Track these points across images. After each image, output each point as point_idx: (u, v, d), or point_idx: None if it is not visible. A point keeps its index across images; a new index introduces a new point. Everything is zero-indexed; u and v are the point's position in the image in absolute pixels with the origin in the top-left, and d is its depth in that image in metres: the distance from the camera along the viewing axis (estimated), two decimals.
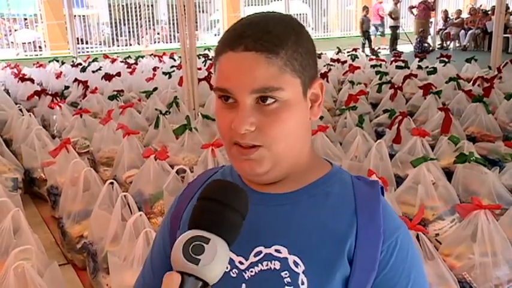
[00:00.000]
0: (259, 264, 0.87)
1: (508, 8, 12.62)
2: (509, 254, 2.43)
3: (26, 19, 20.00)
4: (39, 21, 19.17)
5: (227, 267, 0.87)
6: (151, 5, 22.05)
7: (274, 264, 0.86)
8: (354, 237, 0.86)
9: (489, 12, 15.37)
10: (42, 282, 2.16)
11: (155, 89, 6.26)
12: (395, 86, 6.13)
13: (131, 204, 2.81)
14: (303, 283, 0.84)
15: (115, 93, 6.26)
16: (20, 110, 5.68)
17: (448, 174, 3.49)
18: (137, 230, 2.49)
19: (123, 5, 21.18)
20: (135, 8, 21.31)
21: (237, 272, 0.88)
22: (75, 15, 15.84)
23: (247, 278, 0.87)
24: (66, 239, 3.25)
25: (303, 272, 0.85)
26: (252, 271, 0.87)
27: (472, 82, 6.65)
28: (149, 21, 21.69)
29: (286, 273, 0.85)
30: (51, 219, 3.81)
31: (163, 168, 3.46)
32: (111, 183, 3.05)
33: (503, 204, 2.89)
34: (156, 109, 5.27)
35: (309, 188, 0.92)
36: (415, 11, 15.59)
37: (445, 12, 17.54)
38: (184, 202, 1.00)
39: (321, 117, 4.75)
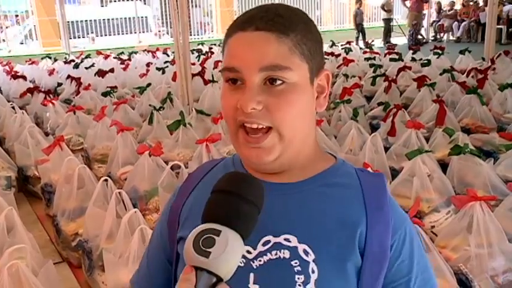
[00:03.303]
0: (268, 254, 0.86)
1: None
2: (504, 245, 2.44)
3: (17, 16, 19.86)
4: (30, 18, 19.02)
5: None
6: (144, 0, 21.93)
7: (283, 253, 0.86)
8: (365, 228, 0.87)
9: (480, 5, 15.40)
10: (36, 281, 2.15)
11: (149, 84, 6.23)
12: (390, 79, 6.13)
13: (126, 201, 2.80)
14: (313, 272, 0.84)
15: (108, 89, 6.23)
16: (13, 107, 5.66)
17: (443, 166, 3.49)
18: (132, 226, 2.48)
19: (115, 1, 21.06)
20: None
21: (244, 261, 0.86)
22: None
23: (255, 267, 0.86)
24: (61, 237, 3.23)
25: (313, 261, 0.84)
26: (260, 260, 0.86)
27: (466, 74, 6.65)
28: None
29: (296, 262, 0.85)
30: (46, 217, 3.79)
31: (157, 165, 3.45)
32: (106, 180, 3.04)
33: (498, 196, 2.89)
34: (150, 105, 5.25)
35: (315, 178, 0.92)
36: (408, 3, 15.58)
37: (438, 4, 17.55)
38: (184, 194, 1.00)
39: None
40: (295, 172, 0.91)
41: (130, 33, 19.66)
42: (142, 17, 19.96)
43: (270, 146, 0.86)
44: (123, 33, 19.77)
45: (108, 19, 19.76)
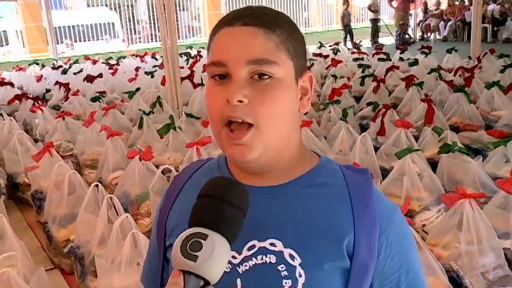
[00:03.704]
0: (254, 258, 0.86)
1: None
2: (494, 242, 2.46)
3: None
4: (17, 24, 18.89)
5: None
6: (131, 5, 21.88)
7: (269, 258, 0.86)
8: (352, 227, 0.86)
9: (466, 4, 15.55)
10: None
11: (138, 89, 6.22)
12: (378, 79, 6.16)
13: (117, 206, 2.79)
14: (300, 276, 0.84)
15: (97, 94, 6.21)
16: (1, 114, 5.62)
17: (433, 164, 3.52)
18: (124, 231, 2.47)
19: (102, 6, 20.98)
20: (115, 8, 21.12)
21: (230, 266, 0.86)
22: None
23: (241, 272, 0.86)
24: (52, 243, 3.21)
25: (299, 265, 0.84)
26: (246, 265, 0.86)
27: (453, 72, 6.71)
28: (129, 21, 21.51)
29: (282, 267, 0.85)
30: (37, 224, 3.77)
31: (148, 169, 3.45)
32: (96, 185, 3.02)
33: (487, 193, 2.92)
34: (139, 109, 5.24)
35: (299, 180, 0.91)
36: (394, 3, 15.69)
37: (425, 3, 17.68)
38: (170, 198, 1.00)
39: (305, 112, 4.76)
40: (280, 173, 0.91)
41: (98, 39, 19.29)
42: (108, 23, 19.57)
43: (250, 142, 0.85)
44: (88, 40, 19.36)
45: (75, 26, 19.36)
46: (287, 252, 0.85)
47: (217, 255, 0.71)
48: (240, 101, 0.83)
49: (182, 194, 0.99)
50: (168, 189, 1.03)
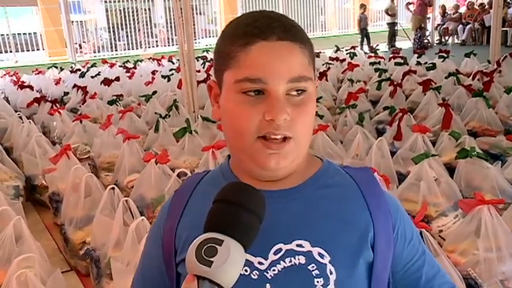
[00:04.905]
0: (282, 262, 0.86)
1: (505, 1, 12.61)
2: None
3: None
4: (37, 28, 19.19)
5: (247, 270, 0.85)
6: (149, 9, 22.06)
7: (298, 259, 0.85)
8: (370, 221, 0.89)
9: (485, 8, 15.37)
10: None
11: (154, 92, 6.26)
12: (395, 83, 6.12)
13: (133, 209, 2.80)
14: (331, 273, 0.85)
15: (114, 98, 6.28)
16: (20, 117, 5.69)
17: (450, 170, 3.47)
18: (139, 234, 2.48)
19: (120, 10, 21.20)
20: (132, 12, 21.34)
21: (258, 273, 0.85)
22: (72, 21, 15.79)
23: (270, 277, 0.85)
24: (68, 245, 3.24)
25: (329, 262, 0.85)
26: (274, 270, 0.86)
27: (471, 77, 6.63)
28: (146, 25, 21.71)
29: (313, 266, 0.85)
30: (54, 226, 3.81)
31: (164, 172, 3.46)
32: (113, 188, 3.05)
33: (506, 199, 2.88)
34: (155, 113, 5.27)
35: (310, 181, 0.92)
36: (412, 7, 15.58)
37: (443, 7, 17.52)
38: (175, 214, 0.95)
39: (321, 116, 4.75)
40: (292, 177, 0.91)
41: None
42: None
43: (288, 151, 0.86)
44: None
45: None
46: (316, 251, 0.86)
47: (232, 261, 0.71)
48: (285, 119, 0.83)
49: (189, 208, 0.95)
50: (170, 206, 0.98)
